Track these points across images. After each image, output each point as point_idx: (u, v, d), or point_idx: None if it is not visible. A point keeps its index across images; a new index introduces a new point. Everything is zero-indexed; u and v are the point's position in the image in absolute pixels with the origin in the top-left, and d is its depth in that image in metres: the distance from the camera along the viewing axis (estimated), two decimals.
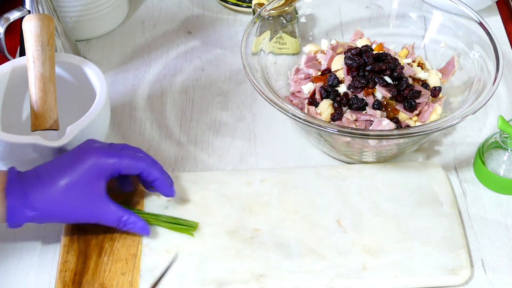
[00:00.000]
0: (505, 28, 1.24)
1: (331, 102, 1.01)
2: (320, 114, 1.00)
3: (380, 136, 0.95)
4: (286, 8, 1.10)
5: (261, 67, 1.04)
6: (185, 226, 0.93)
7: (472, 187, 1.01)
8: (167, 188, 0.93)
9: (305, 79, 1.06)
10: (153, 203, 0.96)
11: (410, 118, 1.01)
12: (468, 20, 1.07)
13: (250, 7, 1.25)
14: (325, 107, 1.01)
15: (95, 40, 1.24)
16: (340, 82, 1.02)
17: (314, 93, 1.03)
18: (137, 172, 0.90)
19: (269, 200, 0.97)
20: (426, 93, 1.02)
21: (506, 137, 0.97)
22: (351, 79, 1.01)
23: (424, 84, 1.04)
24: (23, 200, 0.85)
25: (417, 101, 1.01)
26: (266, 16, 1.09)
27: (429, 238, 0.92)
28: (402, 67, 1.03)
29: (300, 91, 1.05)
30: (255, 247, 0.92)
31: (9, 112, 1.01)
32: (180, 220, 0.94)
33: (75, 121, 0.93)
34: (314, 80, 1.04)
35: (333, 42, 1.09)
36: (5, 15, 1.06)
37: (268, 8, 1.09)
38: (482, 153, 1.00)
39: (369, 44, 1.07)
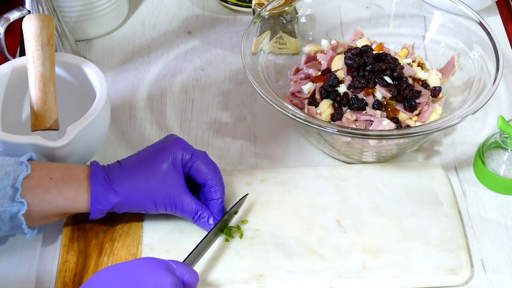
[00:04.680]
0: (505, 28, 1.24)
1: (331, 102, 1.01)
2: (320, 114, 1.00)
3: (380, 136, 0.95)
4: (286, 8, 1.10)
5: (261, 67, 1.04)
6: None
7: (472, 187, 1.01)
8: (216, 213, 0.93)
9: (305, 79, 1.06)
10: None
11: (410, 118, 1.01)
12: (468, 20, 1.07)
13: (250, 7, 1.25)
14: (325, 107, 1.01)
15: (95, 40, 1.24)
16: (340, 82, 1.02)
17: (314, 93, 1.03)
18: (204, 179, 0.92)
19: (269, 200, 0.97)
20: (426, 93, 1.02)
21: (506, 137, 0.97)
22: (351, 79, 1.01)
23: (424, 84, 1.04)
24: (107, 186, 0.88)
25: (417, 101, 1.01)
26: (266, 16, 1.09)
27: (429, 238, 0.92)
28: (402, 67, 1.03)
29: (300, 91, 1.05)
30: (255, 247, 0.92)
31: (9, 112, 1.01)
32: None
33: (75, 121, 0.93)
34: (314, 80, 1.04)
35: (333, 42, 1.09)
36: (5, 15, 1.06)
37: (268, 8, 1.09)
38: (482, 153, 1.00)
39: (369, 44, 1.07)
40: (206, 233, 0.91)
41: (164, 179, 0.90)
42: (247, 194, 0.96)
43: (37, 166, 0.88)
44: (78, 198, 0.88)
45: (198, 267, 0.89)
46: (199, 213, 0.92)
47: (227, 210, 0.94)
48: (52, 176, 0.87)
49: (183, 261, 0.85)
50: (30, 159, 0.89)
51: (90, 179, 0.88)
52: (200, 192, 0.95)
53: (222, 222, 0.92)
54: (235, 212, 0.95)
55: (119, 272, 0.78)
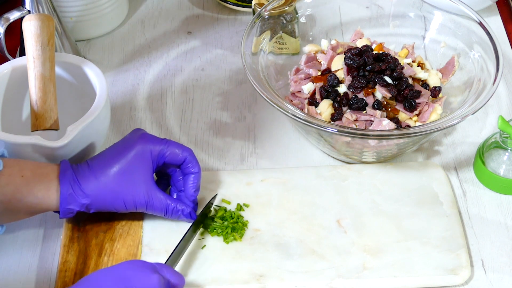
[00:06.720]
0: (505, 28, 1.24)
1: (331, 102, 1.01)
2: (320, 114, 1.00)
3: (380, 136, 0.95)
4: (286, 8, 1.10)
5: (261, 67, 1.04)
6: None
7: (472, 187, 1.01)
8: (195, 190, 0.93)
9: (305, 79, 1.06)
10: None
11: (410, 118, 1.01)
12: (468, 20, 1.07)
13: (250, 7, 1.25)
14: (325, 107, 1.01)
15: (95, 40, 1.24)
16: (340, 82, 1.02)
17: (314, 93, 1.03)
18: (181, 160, 0.92)
19: (269, 200, 0.97)
20: (426, 93, 1.02)
21: (506, 137, 0.97)
22: (351, 79, 1.01)
23: (424, 84, 1.04)
24: (76, 186, 0.89)
25: (417, 101, 1.01)
26: (266, 16, 1.09)
27: (429, 238, 0.92)
28: (402, 67, 1.03)
29: (300, 91, 1.05)
30: (255, 247, 0.92)
31: (9, 112, 1.01)
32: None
33: (75, 121, 0.93)
34: (314, 80, 1.04)
35: (333, 42, 1.09)
36: (5, 15, 1.06)
37: (268, 8, 1.09)
38: (482, 153, 1.00)
39: (369, 44, 1.07)
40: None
41: (131, 177, 0.90)
42: (216, 194, 0.96)
43: (8, 163, 0.87)
44: (48, 197, 0.88)
45: (198, 267, 0.90)
46: (171, 207, 0.92)
47: (200, 212, 0.94)
48: (24, 174, 0.87)
49: (165, 262, 0.86)
50: (1, 156, 0.89)
51: (59, 179, 0.89)
52: (171, 182, 0.95)
53: (197, 222, 0.93)
54: (208, 213, 0.95)
55: (107, 275, 0.79)
